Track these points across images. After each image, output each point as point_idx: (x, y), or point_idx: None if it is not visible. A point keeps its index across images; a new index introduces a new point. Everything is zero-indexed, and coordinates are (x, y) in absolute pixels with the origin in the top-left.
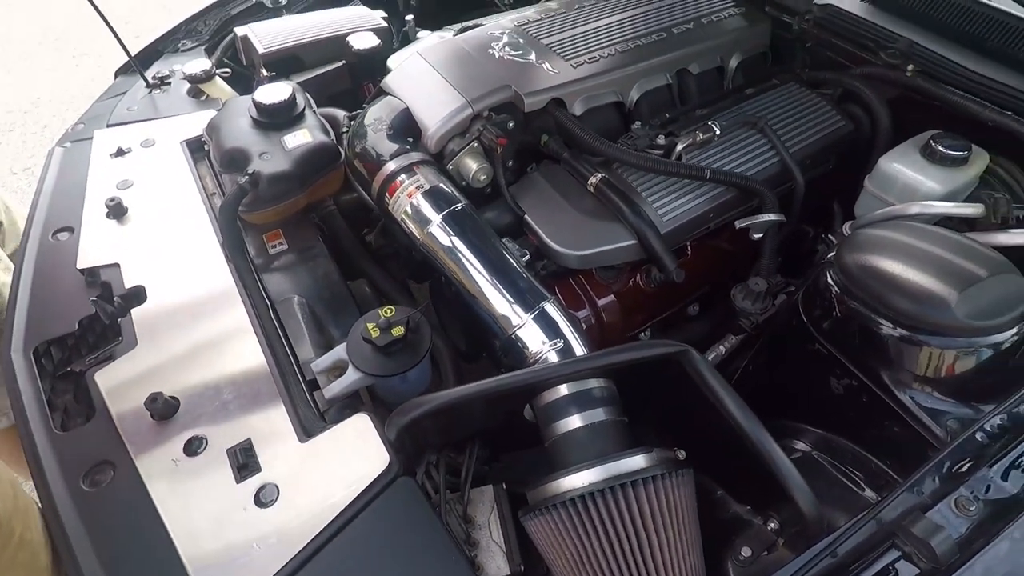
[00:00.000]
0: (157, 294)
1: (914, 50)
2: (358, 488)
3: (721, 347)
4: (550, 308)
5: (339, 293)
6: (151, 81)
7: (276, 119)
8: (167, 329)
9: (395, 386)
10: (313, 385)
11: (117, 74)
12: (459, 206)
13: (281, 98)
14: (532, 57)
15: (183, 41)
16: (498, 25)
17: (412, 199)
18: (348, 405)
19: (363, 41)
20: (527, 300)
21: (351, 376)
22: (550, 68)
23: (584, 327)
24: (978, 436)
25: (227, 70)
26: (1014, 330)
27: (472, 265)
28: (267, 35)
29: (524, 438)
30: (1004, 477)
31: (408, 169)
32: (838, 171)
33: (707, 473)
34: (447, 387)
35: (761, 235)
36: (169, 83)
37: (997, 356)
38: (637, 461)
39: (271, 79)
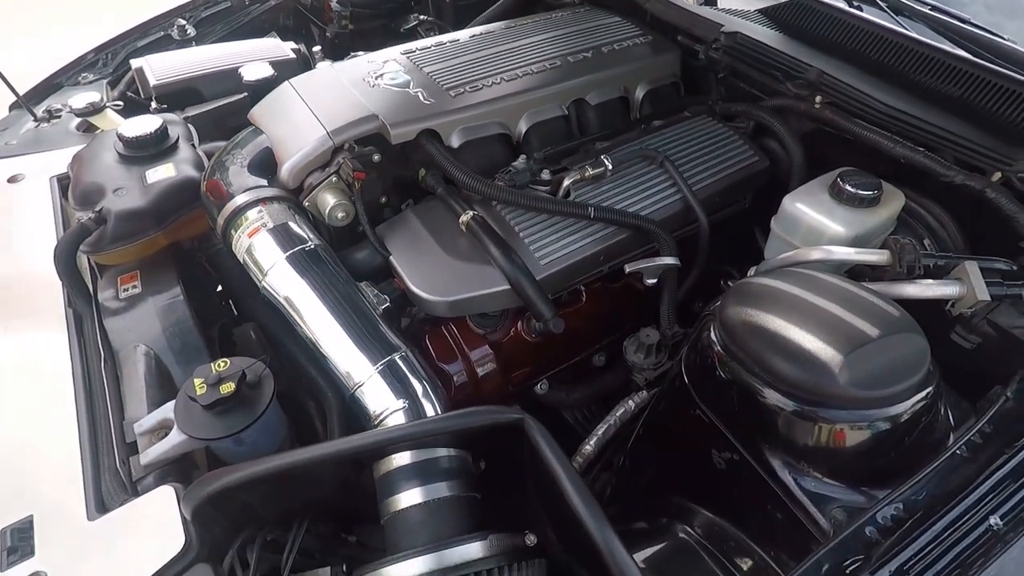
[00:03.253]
0: None
1: (824, 80)
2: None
3: (630, 402)
4: (400, 361)
5: (191, 342)
6: (40, 115)
7: (142, 152)
8: None
9: (230, 449)
10: (134, 449)
11: (11, 108)
12: (309, 246)
13: (146, 131)
14: (410, 87)
15: (84, 74)
16: (384, 53)
17: (254, 237)
18: (174, 472)
19: (255, 72)
20: (374, 352)
21: (173, 439)
22: (425, 98)
23: (455, 382)
24: (867, 531)
25: (119, 103)
26: (911, 401)
27: (315, 312)
28: (161, 67)
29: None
30: None
31: (254, 204)
32: (759, 210)
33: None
34: None
35: (655, 280)
36: (59, 116)
37: (894, 431)
38: (472, 550)
39: (160, 111)
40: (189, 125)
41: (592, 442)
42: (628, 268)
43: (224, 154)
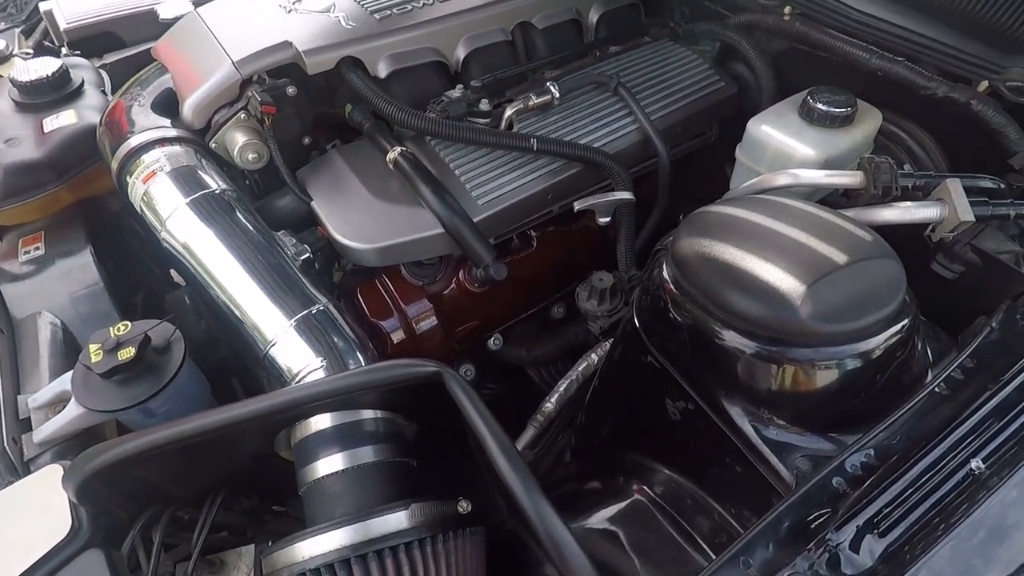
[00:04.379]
0: None
1: None
2: (23, 564)
3: (593, 355)
4: (318, 316)
5: (101, 308)
6: None
7: (39, 98)
8: None
9: (140, 422)
10: (28, 426)
11: None
12: (213, 190)
13: (43, 74)
14: (332, 11)
15: None
16: None
17: (151, 183)
18: (75, 450)
19: (173, 9)
20: (290, 306)
21: (69, 413)
22: (347, 21)
23: (392, 340)
24: (834, 481)
25: (29, 51)
26: (884, 335)
27: (222, 265)
28: (73, 9)
29: None
30: (855, 544)
31: (150, 146)
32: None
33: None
34: None
35: (608, 219)
36: None
37: (865, 370)
38: (393, 520)
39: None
40: (102, 72)
41: (553, 399)
42: (578, 205)
43: (123, 94)
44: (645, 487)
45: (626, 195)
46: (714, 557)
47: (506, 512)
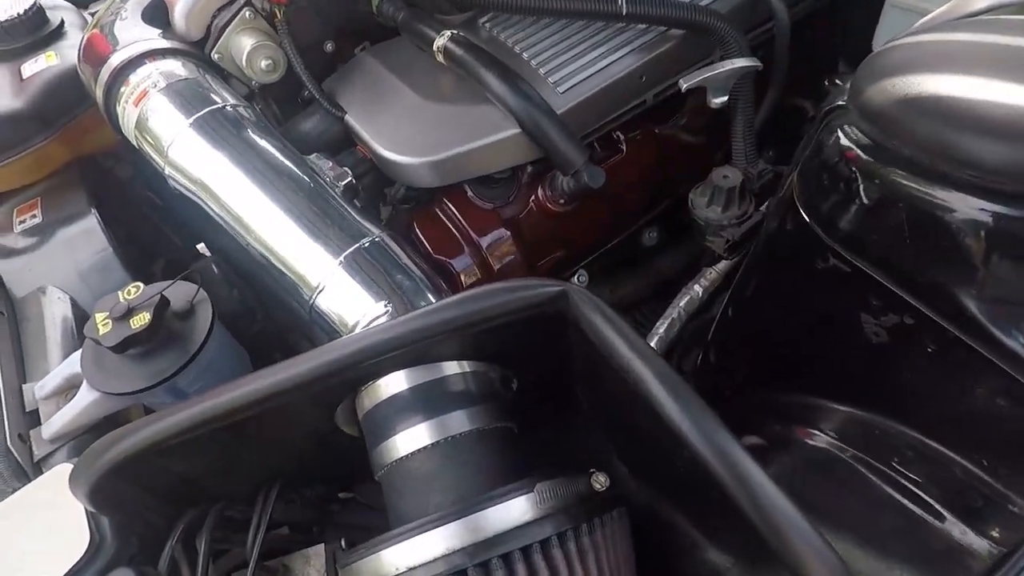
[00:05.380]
0: None
1: None
2: None
3: (696, 287)
4: (371, 249)
5: (114, 278)
6: None
7: (14, 42)
8: None
9: (166, 403)
10: (37, 419)
11: None
12: (221, 106)
13: (13, 14)
14: None
15: None
16: None
17: (144, 104)
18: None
19: None
20: (335, 241)
21: (81, 400)
22: None
23: (463, 281)
24: None
25: None
26: None
27: (243, 195)
28: None
29: None
30: None
31: (137, 62)
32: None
33: (667, 500)
34: None
35: (724, 100)
36: None
37: None
38: (514, 510)
39: None
40: (86, 15)
41: (653, 342)
42: (684, 84)
43: (106, 10)
44: (823, 433)
45: (749, 62)
46: (969, 531)
47: (630, 481)
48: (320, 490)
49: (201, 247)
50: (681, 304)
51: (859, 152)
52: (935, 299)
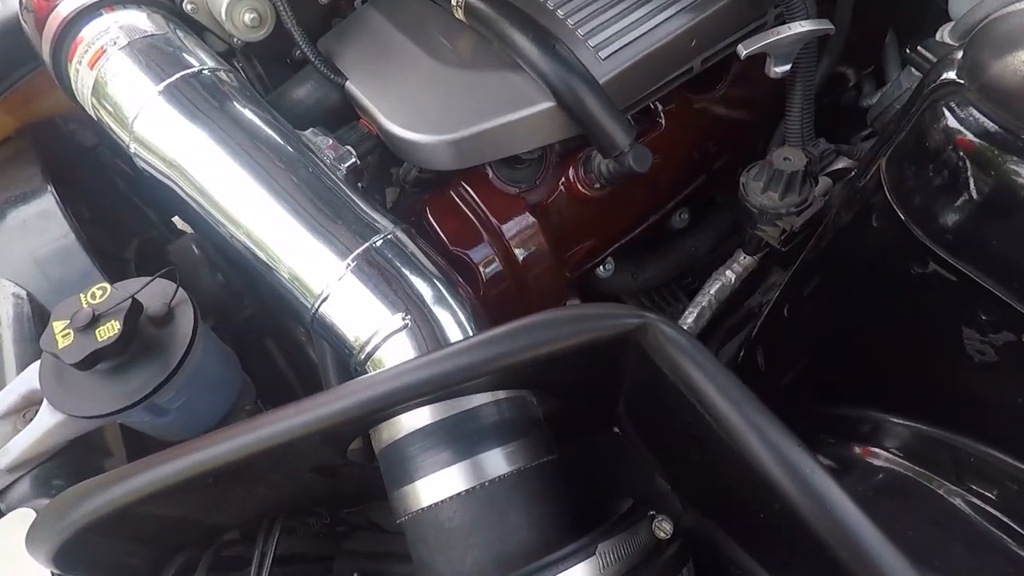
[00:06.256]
0: None
1: None
2: None
3: (728, 273)
4: (385, 249)
5: (77, 267)
6: None
7: None
8: None
9: (152, 424)
10: None
11: None
12: (198, 69)
13: None
14: None
15: None
16: None
17: (100, 66)
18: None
19: None
20: (342, 238)
21: (41, 423)
22: None
23: (483, 274)
24: None
25: None
26: None
27: (228, 181)
28: None
29: None
30: None
31: (92, 11)
32: None
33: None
34: None
35: (787, 69)
36: None
37: None
38: None
39: None
40: None
41: None
42: (744, 49)
43: None
44: (895, 455)
45: (819, 24)
46: None
47: (690, 512)
48: (326, 516)
49: (177, 221)
50: (712, 291)
51: (975, 139)
52: None
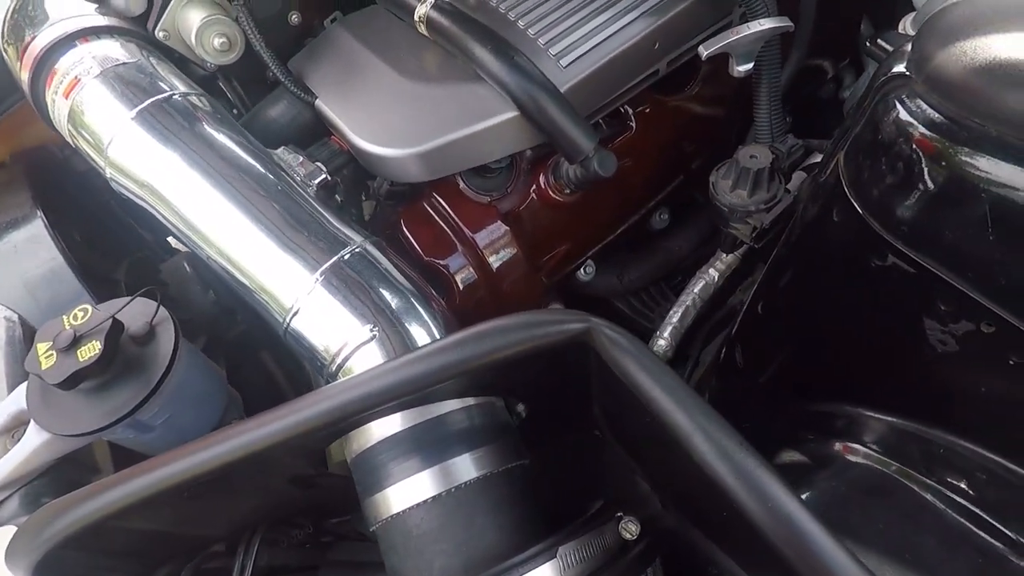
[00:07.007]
0: None
1: None
2: None
3: (711, 271)
4: (353, 261)
5: (66, 290)
6: None
7: None
8: None
9: (138, 440)
10: None
11: None
12: (170, 94)
13: None
14: None
15: None
16: None
17: (75, 95)
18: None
19: None
20: (312, 253)
21: (29, 442)
22: None
23: (458, 282)
24: None
25: None
26: None
27: (200, 201)
28: None
29: None
30: None
31: (66, 44)
32: None
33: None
34: None
35: (750, 68)
36: None
37: None
38: None
39: None
40: None
41: (666, 334)
42: (705, 51)
43: None
44: (870, 448)
45: (779, 22)
46: None
47: (659, 510)
48: (309, 527)
49: (172, 240)
50: (695, 290)
51: (926, 131)
52: (1018, 305)
